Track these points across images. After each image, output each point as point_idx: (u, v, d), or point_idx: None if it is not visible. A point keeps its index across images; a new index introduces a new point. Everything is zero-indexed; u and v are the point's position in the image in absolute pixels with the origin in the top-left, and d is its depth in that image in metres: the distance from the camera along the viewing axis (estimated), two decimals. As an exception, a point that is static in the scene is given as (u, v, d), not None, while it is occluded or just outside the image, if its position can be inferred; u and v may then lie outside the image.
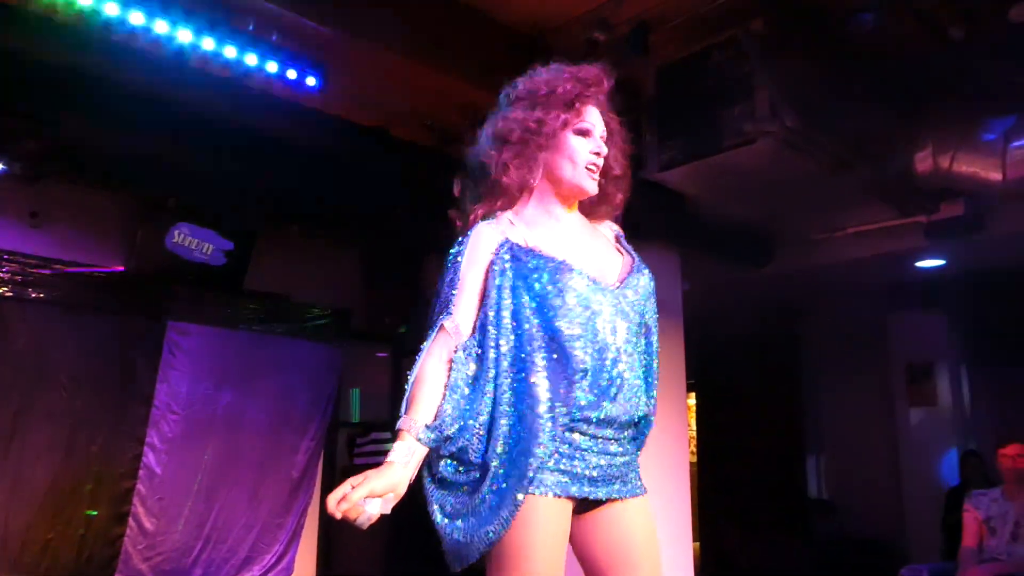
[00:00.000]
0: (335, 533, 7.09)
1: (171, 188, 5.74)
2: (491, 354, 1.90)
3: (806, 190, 4.67)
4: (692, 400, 8.38)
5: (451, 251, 2.08)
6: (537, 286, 1.92)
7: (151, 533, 5.88)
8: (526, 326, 1.91)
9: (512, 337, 1.91)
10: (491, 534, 1.81)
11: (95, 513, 5.68)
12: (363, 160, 4.99)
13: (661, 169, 4.47)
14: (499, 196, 2.09)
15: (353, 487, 1.81)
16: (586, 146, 2.08)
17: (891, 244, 5.41)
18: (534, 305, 1.92)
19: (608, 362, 1.91)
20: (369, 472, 1.85)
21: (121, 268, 5.83)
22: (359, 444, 7.32)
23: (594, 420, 1.90)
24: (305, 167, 5.04)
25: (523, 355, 1.89)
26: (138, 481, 5.86)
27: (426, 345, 1.99)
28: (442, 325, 1.98)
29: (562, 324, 1.89)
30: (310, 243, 6.75)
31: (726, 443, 8.44)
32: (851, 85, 4.49)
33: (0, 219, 5.45)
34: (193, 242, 5.99)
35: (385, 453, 6.62)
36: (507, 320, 1.92)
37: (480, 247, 2.03)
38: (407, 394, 1.94)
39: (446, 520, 1.93)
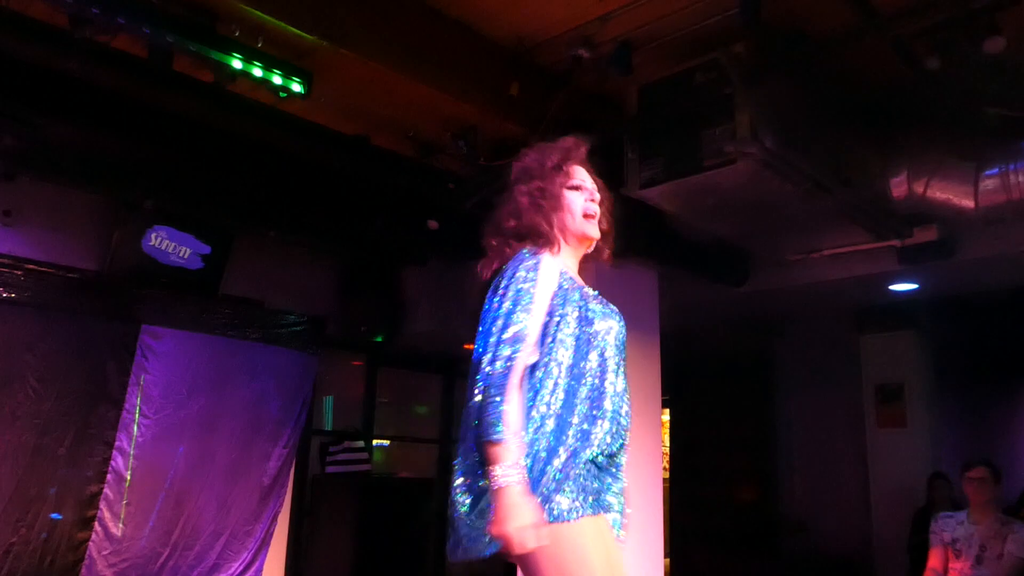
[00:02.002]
0: (304, 541, 7.03)
1: (149, 190, 5.67)
2: (554, 371, 2.11)
3: (783, 211, 4.71)
4: (666, 416, 8.42)
5: (516, 275, 2.18)
6: (580, 312, 2.20)
7: (117, 539, 5.79)
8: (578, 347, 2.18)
9: (571, 356, 2.15)
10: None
11: (60, 517, 5.59)
12: (343, 168, 4.98)
13: (642, 187, 4.49)
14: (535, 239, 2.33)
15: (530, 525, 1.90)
16: (580, 197, 2.39)
17: (865, 267, 5.48)
18: (578, 330, 2.19)
19: (620, 400, 2.21)
20: (521, 507, 1.91)
21: (95, 269, 5.76)
22: (332, 452, 7.27)
23: (607, 453, 2.14)
24: (285, 173, 5.02)
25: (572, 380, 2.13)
26: (105, 485, 5.78)
27: (512, 367, 2.05)
28: (524, 347, 2.08)
29: (594, 355, 2.19)
30: (287, 249, 6.72)
31: (698, 460, 8.48)
32: (829, 109, 4.55)
33: (-30, 216, 5.38)
34: (170, 245, 5.94)
35: (357, 462, 6.51)
36: (571, 341, 2.17)
37: (550, 275, 2.22)
38: (505, 416, 1.98)
39: (473, 516, 2.02)
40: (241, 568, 6.37)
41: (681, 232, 5.21)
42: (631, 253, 4.79)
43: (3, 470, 5.35)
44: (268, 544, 6.53)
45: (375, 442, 7.88)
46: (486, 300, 2.21)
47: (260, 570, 6.49)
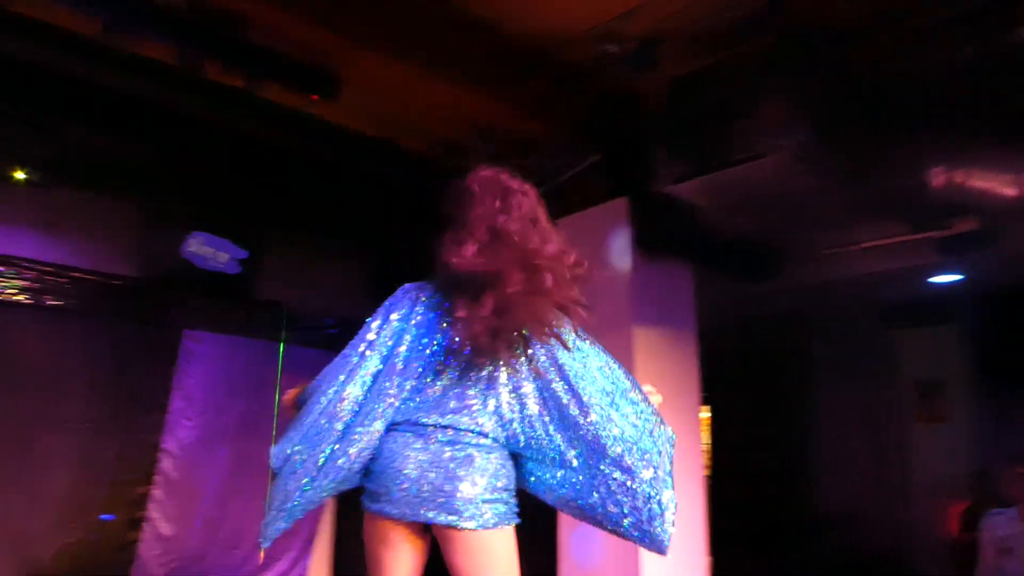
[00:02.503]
0: (347, 539, 7.11)
1: (185, 197, 5.81)
2: None
3: (817, 204, 4.67)
4: (706, 414, 8.35)
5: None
6: None
7: (167, 538, 5.93)
8: None
9: None
10: None
11: (111, 518, 5.74)
12: (372, 170, 5.04)
13: (671, 183, 4.49)
14: None
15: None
16: None
17: (903, 259, 5.39)
18: None
19: None
20: None
21: (136, 276, 5.91)
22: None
23: None
24: (315, 176, 5.10)
25: None
26: (154, 487, 5.93)
27: None
28: None
29: None
30: (320, 252, 6.81)
31: (735, 457, 8.40)
32: (863, 100, 4.49)
33: (16, 227, 5.53)
34: (209, 251, 6.06)
35: None
36: None
37: None
38: None
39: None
40: (288, 566, 6.49)
41: (713, 227, 5.17)
42: (663, 250, 4.78)
43: (55, 473, 5.52)
44: (312, 543, 6.63)
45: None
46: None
47: (306, 568, 6.59)
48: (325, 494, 2.35)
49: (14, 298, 5.36)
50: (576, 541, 4.49)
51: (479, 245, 2.33)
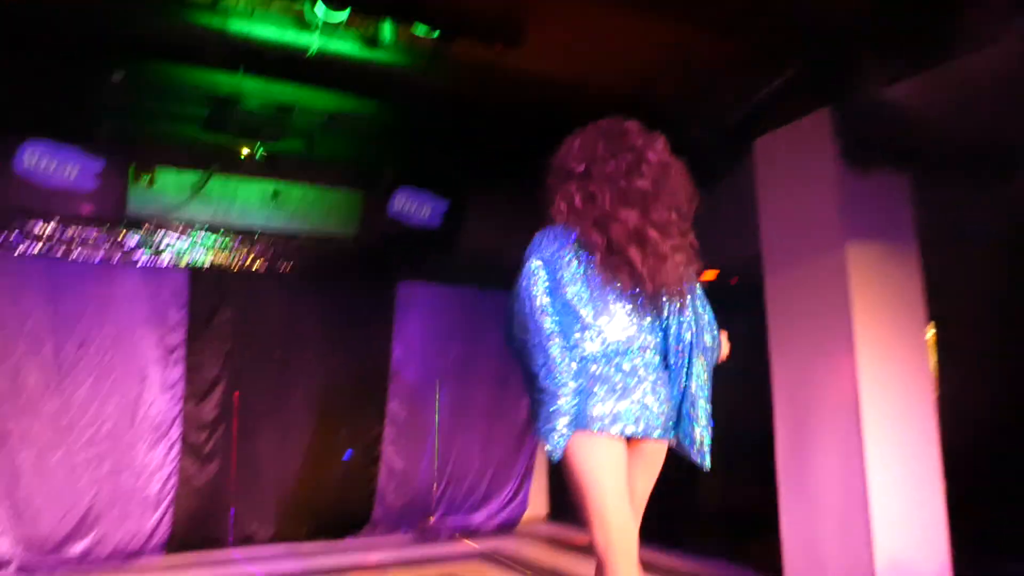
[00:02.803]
0: (559, 471, 7.37)
1: (391, 156, 6.12)
2: None
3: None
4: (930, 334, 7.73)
5: None
6: None
7: (400, 472, 6.47)
8: None
9: None
10: None
11: (351, 454, 6.33)
12: (563, 113, 5.02)
13: (883, 85, 4.12)
14: None
15: None
16: None
17: None
18: None
19: None
20: None
21: (353, 236, 6.33)
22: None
23: None
24: (508, 125, 5.18)
25: None
26: (385, 427, 6.45)
27: None
28: None
29: None
30: (520, 199, 6.91)
31: (968, 383, 7.72)
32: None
33: (247, 199, 6.07)
34: (413, 205, 6.37)
35: None
36: None
37: None
38: None
39: None
40: (509, 497, 6.86)
41: (931, 131, 4.71)
42: (874, 162, 4.43)
43: (303, 417, 6.16)
44: (531, 475, 6.96)
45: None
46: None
47: (526, 498, 6.95)
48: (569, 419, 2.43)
49: (254, 265, 5.95)
50: (796, 480, 4.39)
51: (610, 198, 2.51)
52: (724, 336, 2.79)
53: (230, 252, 5.85)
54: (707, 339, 2.64)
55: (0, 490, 5.03)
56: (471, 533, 6.42)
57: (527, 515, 6.95)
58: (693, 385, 2.58)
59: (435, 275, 6.60)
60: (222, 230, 5.82)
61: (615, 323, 2.48)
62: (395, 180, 6.26)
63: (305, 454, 6.16)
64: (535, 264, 2.56)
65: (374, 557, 5.55)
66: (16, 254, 5.17)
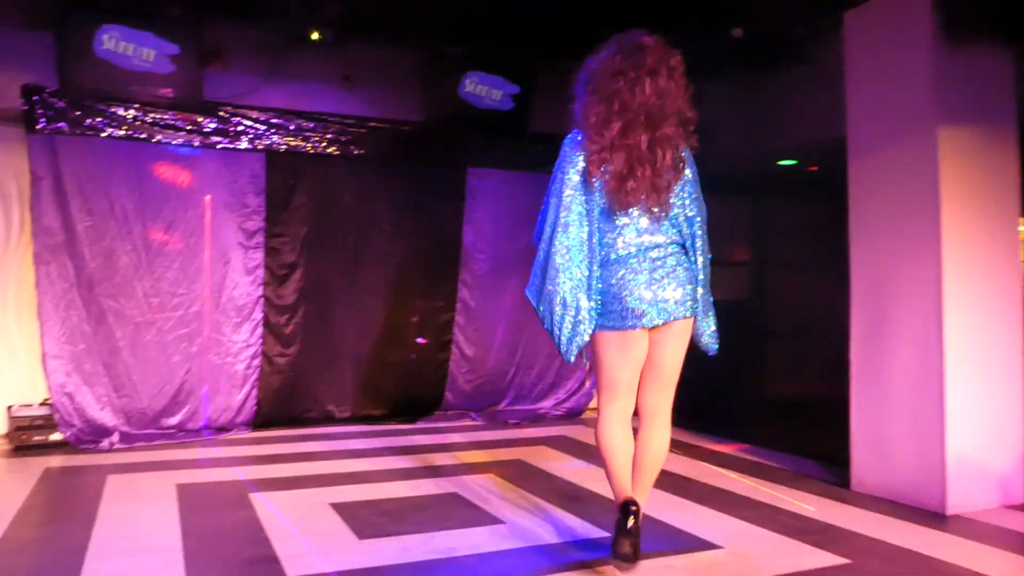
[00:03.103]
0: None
1: (459, 39, 6.00)
2: None
3: None
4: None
5: None
6: None
7: (471, 358, 6.64)
8: None
9: None
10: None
11: (424, 341, 6.51)
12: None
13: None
14: None
15: None
16: None
17: None
18: None
19: None
20: None
21: (423, 120, 6.31)
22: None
23: None
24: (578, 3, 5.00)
25: None
26: (456, 313, 6.59)
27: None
28: None
29: None
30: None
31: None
32: None
33: (318, 84, 6.10)
34: (483, 89, 6.28)
35: None
36: None
37: None
38: None
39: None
40: (576, 385, 7.00)
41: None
42: (972, 34, 4.15)
43: (374, 301, 6.33)
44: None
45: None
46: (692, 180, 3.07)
47: (594, 384, 7.06)
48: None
49: (327, 150, 6.01)
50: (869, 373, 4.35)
51: (619, 120, 2.92)
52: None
53: (303, 137, 5.91)
54: (706, 242, 3.10)
55: (101, 365, 5.35)
56: (538, 419, 6.60)
57: (593, 403, 7.10)
58: (701, 275, 3.05)
59: (504, 161, 6.57)
60: (295, 115, 5.86)
61: (627, 232, 2.94)
62: (465, 63, 6.16)
63: (379, 337, 6.36)
64: (559, 189, 3.03)
65: (445, 439, 5.78)
66: (103, 136, 5.31)
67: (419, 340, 6.51)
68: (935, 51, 4.07)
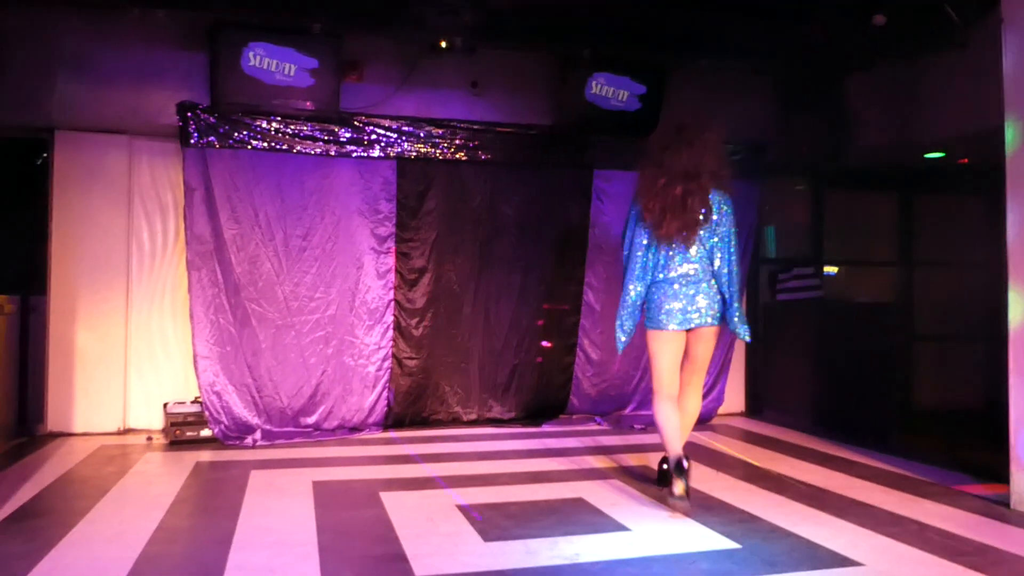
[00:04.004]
0: (760, 367, 7.23)
1: (586, 39, 5.98)
2: None
3: None
4: None
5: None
6: None
7: (596, 362, 6.59)
8: None
9: None
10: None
11: (549, 345, 6.52)
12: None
13: None
14: None
15: None
16: None
17: None
18: None
19: None
20: None
21: (550, 124, 6.33)
22: (781, 280, 7.24)
23: None
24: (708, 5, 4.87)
25: None
26: (581, 316, 6.56)
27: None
28: None
29: None
30: (720, 77, 6.58)
31: None
32: None
33: (448, 91, 6.24)
34: (609, 91, 6.23)
35: (808, 288, 6.76)
36: None
37: None
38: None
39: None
40: (705, 389, 6.79)
41: None
42: None
43: (501, 305, 6.39)
44: (727, 370, 6.85)
45: (826, 269, 7.63)
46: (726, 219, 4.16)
47: (722, 392, 6.87)
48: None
49: (456, 156, 6.12)
50: None
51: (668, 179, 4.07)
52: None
53: (433, 143, 6.04)
54: (733, 264, 4.17)
55: (246, 366, 5.67)
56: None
57: (722, 409, 6.89)
58: (726, 292, 4.17)
59: (631, 162, 6.40)
60: (426, 122, 6.01)
61: (673, 261, 4.13)
62: (591, 65, 6.13)
63: (505, 340, 6.41)
64: (632, 229, 4.26)
65: (570, 443, 5.75)
66: (248, 148, 5.63)
67: (544, 343, 6.52)
68: None
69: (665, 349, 4.15)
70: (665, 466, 4.14)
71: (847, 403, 6.30)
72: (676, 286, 4.09)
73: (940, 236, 7.67)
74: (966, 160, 6.64)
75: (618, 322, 4.26)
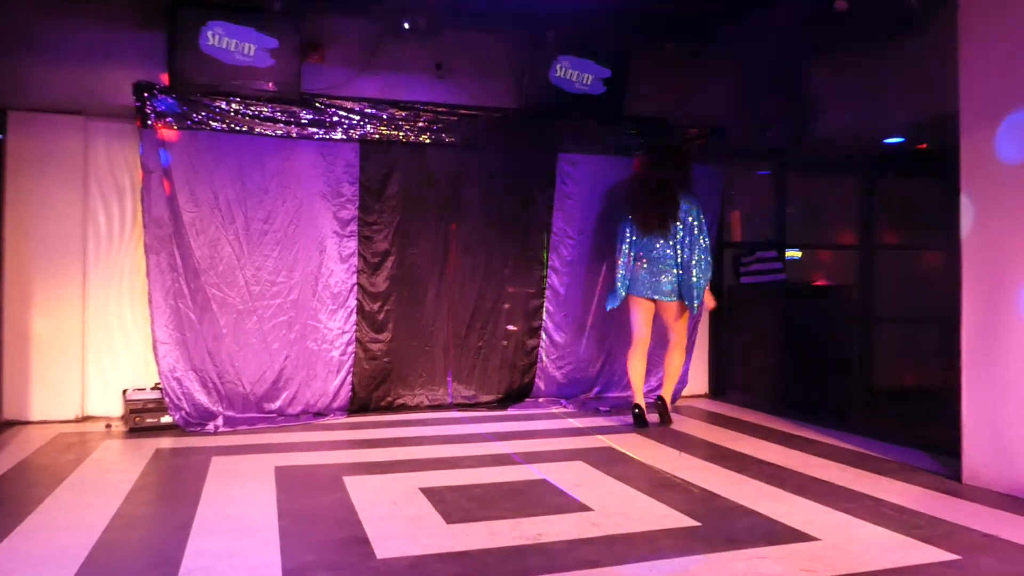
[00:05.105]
0: (724, 349, 7.30)
1: (550, 21, 5.96)
2: None
3: None
4: None
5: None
6: None
7: (560, 345, 6.61)
8: None
9: None
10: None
11: (514, 328, 6.53)
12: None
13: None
14: None
15: None
16: None
17: None
18: None
19: None
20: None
21: (514, 107, 6.30)
22: (744, 263, 7.31)
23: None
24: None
25: None
26: (546, 300, 6.57)
27: None
28: None
29: None
30: (684, 62, 6.60)
31: None
32: None
33: (412, 74, 6.18)
34: (574, 74, 6.22)
35: (771, 271, 6.80)
36: None
37: None
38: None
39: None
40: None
41: None
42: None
43: (466, 288, 6.38)
44: (691, 351, 6.91)
45: (788, 253, 7.72)
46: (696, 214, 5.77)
47: (686, 376, 6.91)
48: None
49: (420, 139, 6.08)
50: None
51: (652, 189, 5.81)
52: (708, 294, 5.88)
53: (396, 126, 5.99)
54: (699, 254, 5.69)
55: (206, 352, 5.59)
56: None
57: (686, 391, 6.96)
58: (693, 276, 5.67)
59: (596, 146, 6.50)
60: (389, 104, 5.95)
61: (650, 248, 5.74)
62: (555, 48, 6.12)
63: (470, 324, 6.41)
64: (623, 224, 5.89)
65: (535, 425, 5.77)
66: (207, 131, 5.53)
67: (509, 327, 6.52)
68: None
69: (638, 310, 5.84)
70: (636, 410, 5.77)
71: (809, 384, 6.40)
72: (650, 266, 5.72)
73: (900, 220, 7.80)
74: (925, 145, 6.74)
75: (613, 289, 5.87)
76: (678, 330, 5.88)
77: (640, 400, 5.80)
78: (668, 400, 5.96)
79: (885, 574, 2.86)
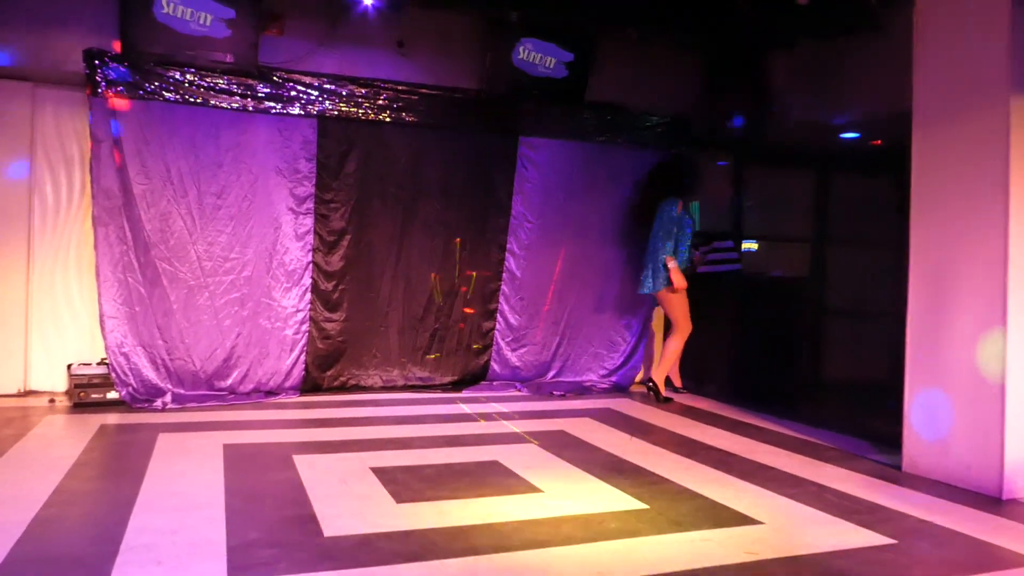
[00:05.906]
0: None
1: (514, 2, 5.91)
2: None
3: None
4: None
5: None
6: None
7: (516, 328, 6.62)
8: None
9: None
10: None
11: (471, 310, 6.51)
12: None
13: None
14: None
15: None
16: None
17: None
18: None
19: None
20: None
21: (476, 88, 6.26)
22: (701, 252, 7.38)
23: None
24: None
25: None
26: (503, 283, 6.57)
27: None
28: None
29: None
30: (648, 49, 6.62)
31: None
32: None
33: (373, 50, 6.09)
34: (537, 57, 6.20)
35: (727, 261, 6.88)
36: None
37: None
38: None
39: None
40: (621, 360, 6.93)
41: None
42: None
43: (422, 269, 6.34)
44: (646, 336, 6.98)
45: (744, 245, 7.81)
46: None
47: (639, 361, 7.00)
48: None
49: (380, 117, 6.00)
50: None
51: None
52: (670, 263, 6.23)
53: (356, 103, 5.91)
54: (658, 243, 6.29)
55: (156, 327, 5.48)
56: (584, 392, 6.58)
57: (639, 378, 7.03)
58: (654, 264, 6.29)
59: (557, 130, 6.49)
60: (349, 80, 5.87)
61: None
62: (519, 30, 6.08)
63: (425, 305, 6.38)
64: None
65: (489, 408, 5.78)
66: (160, 101, 5.40)
67: (466, 309, 6.51)
68: (1012, 19, 3.86)
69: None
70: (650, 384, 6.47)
71: (760, 373, 6.51)
72: (648, 261, 6.39)
73: (852, 214, 7.93)
74: (879, 142, 6.85)
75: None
76: (672, 319, 6.51)
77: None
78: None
79: (825, 557, 2.93)
